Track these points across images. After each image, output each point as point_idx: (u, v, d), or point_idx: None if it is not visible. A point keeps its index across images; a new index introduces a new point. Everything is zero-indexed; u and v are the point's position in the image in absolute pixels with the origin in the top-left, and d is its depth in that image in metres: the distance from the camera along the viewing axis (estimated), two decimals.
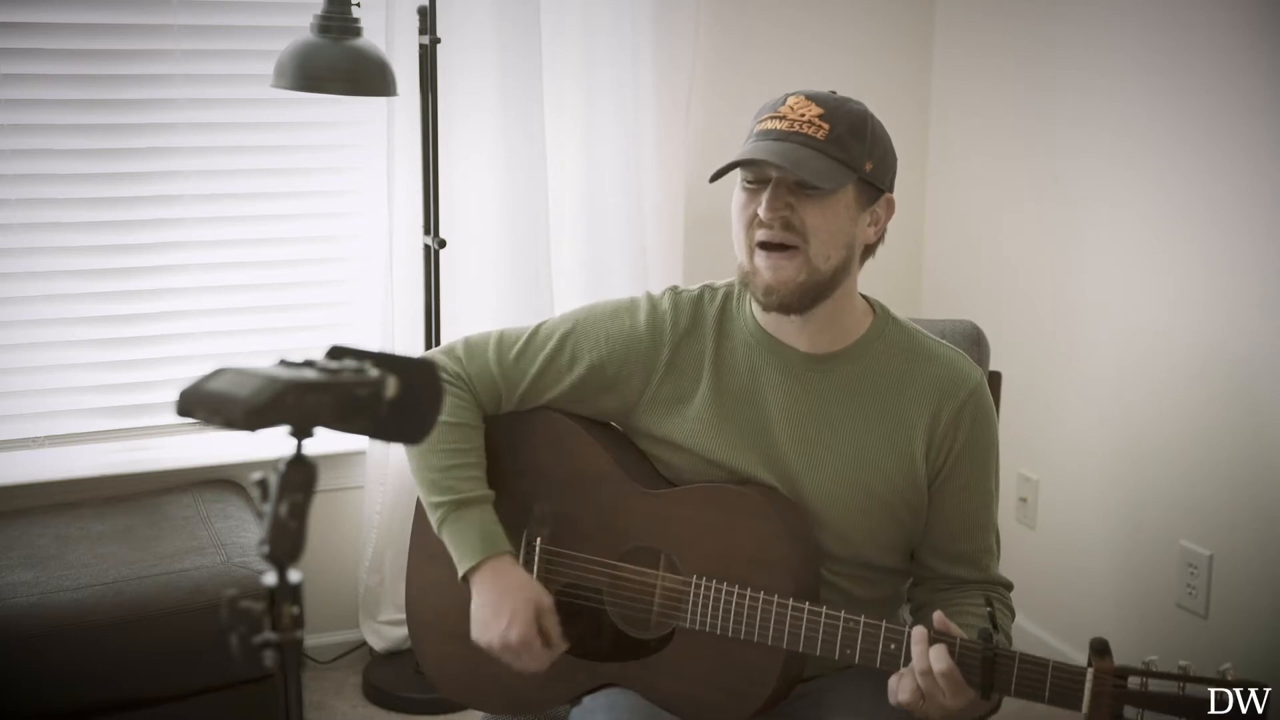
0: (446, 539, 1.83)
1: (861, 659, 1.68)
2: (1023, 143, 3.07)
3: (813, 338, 1.81)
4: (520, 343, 1.90)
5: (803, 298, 1.74)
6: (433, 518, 1.85)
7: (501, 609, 1.78)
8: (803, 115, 1.72)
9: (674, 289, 1.90)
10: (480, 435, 1.89)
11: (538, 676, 1.85)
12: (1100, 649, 1.56)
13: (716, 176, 1.74)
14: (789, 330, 1.81)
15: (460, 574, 1.81)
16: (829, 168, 1.70)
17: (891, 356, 1.82)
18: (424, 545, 1.95)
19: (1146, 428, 2.77)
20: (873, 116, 1.77)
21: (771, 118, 1.74)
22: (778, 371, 1.82)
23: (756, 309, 1.82)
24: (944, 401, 1.80)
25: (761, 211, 1.71)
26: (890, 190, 1.79)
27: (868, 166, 1.73)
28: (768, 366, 1.82)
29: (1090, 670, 1.55)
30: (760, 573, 1.74)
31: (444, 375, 1.88)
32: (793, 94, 1.75)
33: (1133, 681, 1.53)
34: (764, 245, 1.73)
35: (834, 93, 1.78)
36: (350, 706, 2.95)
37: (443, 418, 1.82)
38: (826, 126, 1.71)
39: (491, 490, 1.86)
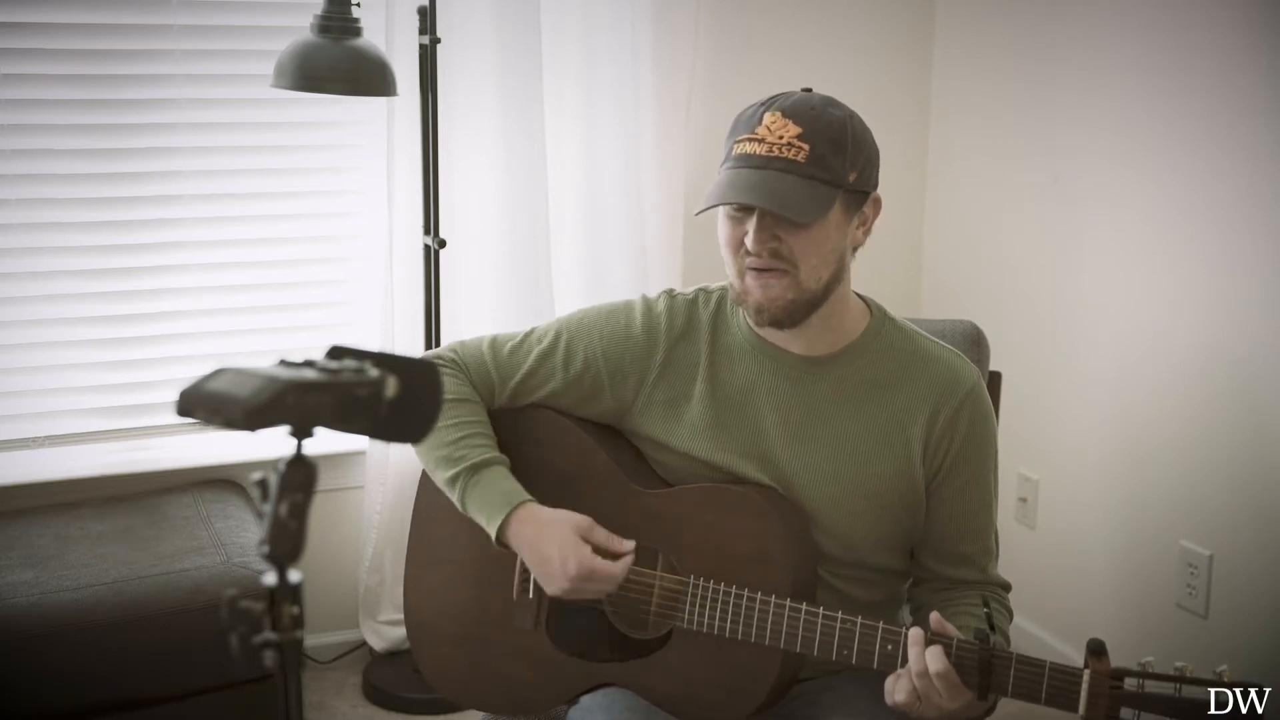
0: (472, 512, 1.81)
1: (858, 659, 1.68)
2: (1023, 143, 3.07)
3: (808, 342, 1.80)
4: (514, 340, 1.90)
5: (794, 314, 1.74)
6: (453, 495, 1.82)
7: (548, 552, 1.75)
8: (781, 137, 1.68)
9: (669, 292, 1.90)
10: (483, 410, 1.88)
11: (537, 676, 1.85)
12: (1097, 650, 1.56)
13: (701, 212, 1.72)
14: (784, 335, 1.80)
15: (493, 539, 1.78)
16: (812, 195, 1.67)
17: (888, 357, 1.82)
18: (422, 549, 1.95)
19: (1146, 428, 2.77)
20: (852, 118, 1.73)
21: (750, 139, 1.70)
22: (773, 375, 1.82)
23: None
24: (941, 402, 1.79)
25: (749, 244, 1.69)
26: (875, 188, 1.77)
27: (851, 177, 1.70)
28: (763, 370, 1.82)
29: (1087, 671, 1.55)
30: (758, 572, 1.74)
31: (439, 362, 1.88)
32: (768, 110, 1.71)
33: (1129, 683, 1.54)
34: (754, 268, 1.72)
35: (809, 91, 1.75)
36: (350, 706, 2.95)
37: (444, 396, 1.82)
38: (806, 147, 1.67)
39: (504, 456, 1.84)
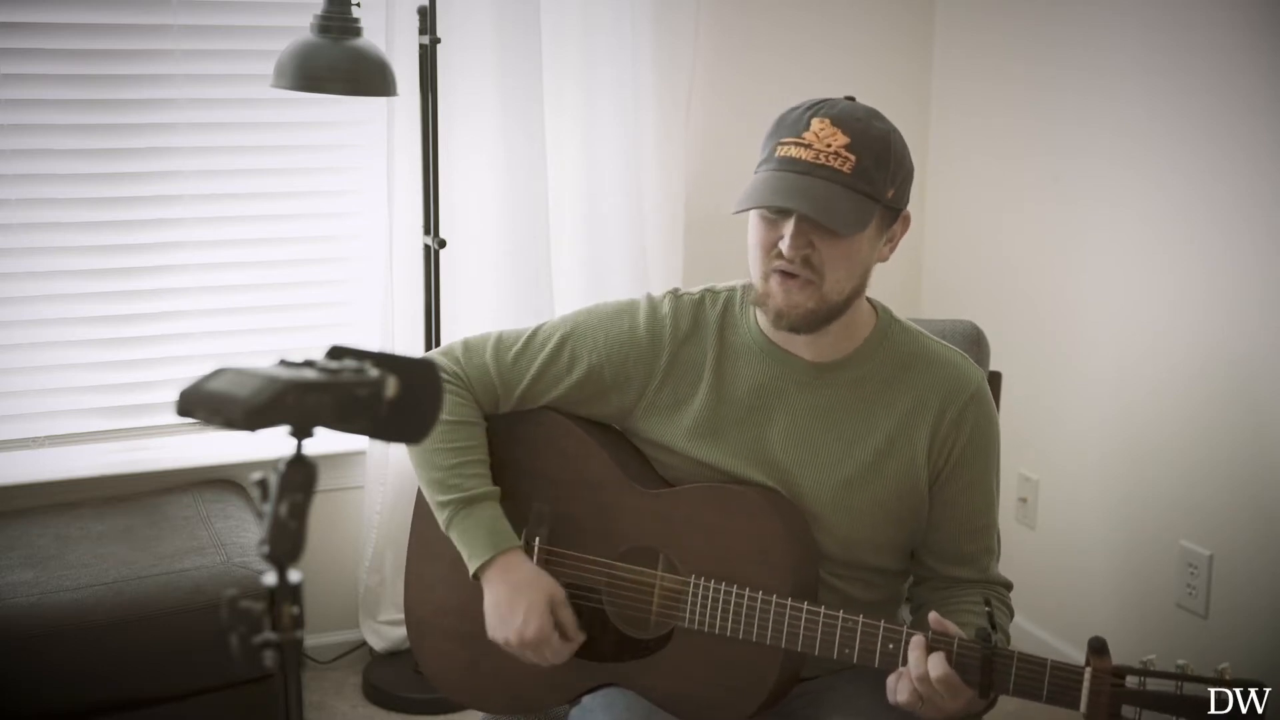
0: (455, 538, 1.83)
1: (859, 659, 1.68)
2: (1023, 143, 3.07)
3: (819, 348, 1.80)
4: (519, 344, 1.89)
5: (813, 322, 1.73)
6: (440, 517, 1.84)
7: (516, 605, 1.78)
8: (829, 145, 1.67)
9: (674, 292, 1.89)
10: (482, 432, 1.89)
11: (538, 675, 1.85)
12: (1098, 648, 1.56)
13: (740, 211, 1.71)
14: (794, 339, 1.79)
15: (471, 572, 1.81)
16: (855, 207, 1.66)
17: (894, 360, 1.82)
18: (423, 545, 1.95)
19: (1146, 428, 2.77)
20: (894, 133, 1.72)
21: (795, 143, 1.68)
22: (781, 379, 1.81)
23: (761, 317, 1.81)
24: (946, 403, 1.79)
25: (785, 249, 1.68)
26: (907, 205, 1.77)
27: (890, 194, 1.70)
28: (771, 374, 1.82)
29: (1088, 669, 1.55)
30: (758, 572, 1.73)
31: (442, 375, 1.87)
32: (816, 115, 1.69)
33: (1131, 681, 1.54)
34: (781, 271, 1.71)
35: (852, 99, 1.74)
36: (350, 706, 2.95)
37: (444, 416, 1.82)
38: (853, 158, 1.66)
39: (497, 486, 1.86)
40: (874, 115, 1.72)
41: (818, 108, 1.70)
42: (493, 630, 1.81)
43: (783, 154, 1.69)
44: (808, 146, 1.67)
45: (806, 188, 1.66)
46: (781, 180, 1.67)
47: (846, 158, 1.66)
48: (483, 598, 1.84)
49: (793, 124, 1.71)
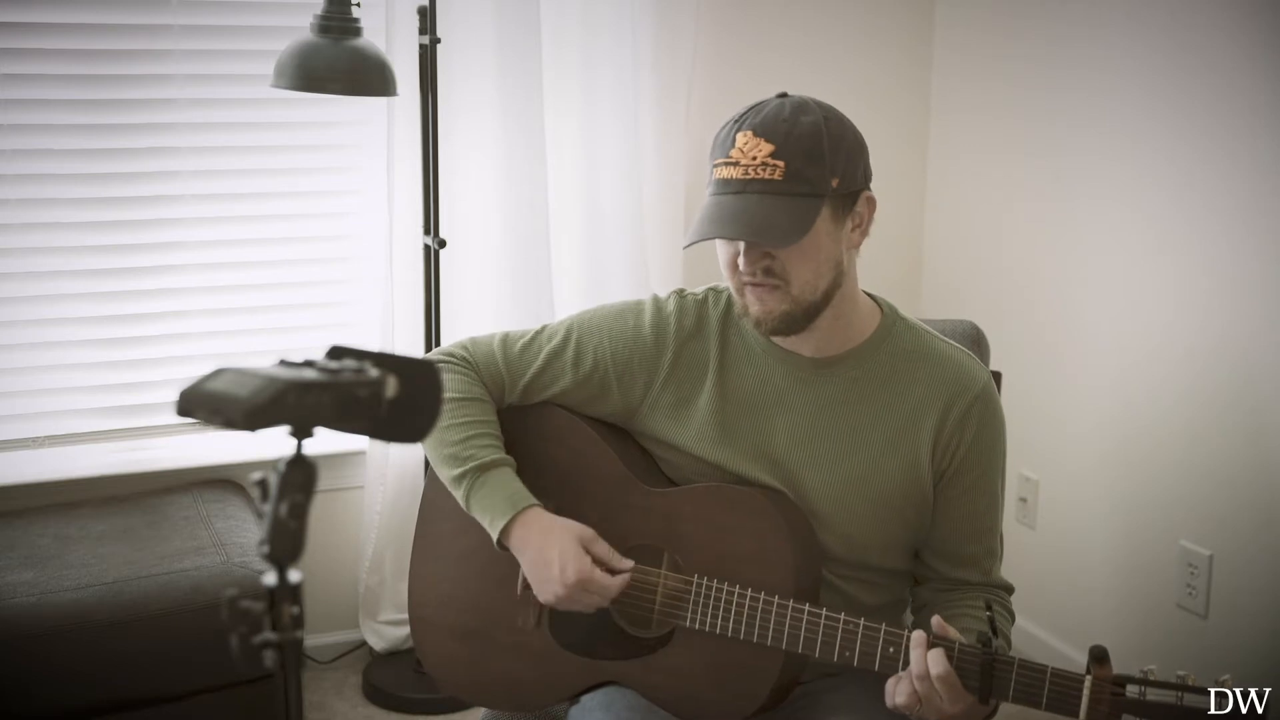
0: (475, 508, 1.81)
1: (860, 661, 1.68)
2: (1023, 142, 3.07)
3: (818, 344, 1.80)
4: (525, 338, 1.90)
5: (792, 324, 1.74)
6: (458, 493, 1.83)
7: (548, 557, 1.76)
8: (754, 158, 1.66)
9: (679, 292, 1.90)
10: (492, 409, 1.88)
11: (539, 673, 1.85)
12: (1100, 657, 1.55)
13: (688, 245, 1.72)
14: (794, 337, 1.80)
15: (495, 540, 1.79)
16: (793, 213, 1.65)
17: (899, 357, 1.81)
18: (427, 541, 1.95)
19: (1146, 428, 2.77)
20: (828, 120, 1.69)
21: (725, 163, 1.69)
22: (783, 377, 1.81)
23: None
24: (951, 402, 1.79)
25: (741, 265, 1.70)
26: (866, 185, 1.75)
27: (834, 183, 1.68)
28: (773, 372, 1.82)
29: (1089, 678, 1.55)
30: (761, 572, 1.73)
31: (450, 360, 1.88)
32: (740, 129, 1.69)
33: (1131, 690, 1.53)
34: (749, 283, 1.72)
35: (784, 96, 1.72)
36: (350, 706, 2.95)
37: (452, 395, 1.83)
38: (781, 164, 1.65)
39: (510, 456, 1.85)
40: (801, 109, 1.70)
41: (742, 120, 1.70)
42: (539, 593, 1.78)
43: (717, 175, 1.70)
44: (735, 164, 1.68)
45: (740, 209, 1.66)
46: (717, 206, 1.68)
47: (775, 165, 1.66)
48: (487, 593, 1.84)
49: (722, 143, 1.72)
